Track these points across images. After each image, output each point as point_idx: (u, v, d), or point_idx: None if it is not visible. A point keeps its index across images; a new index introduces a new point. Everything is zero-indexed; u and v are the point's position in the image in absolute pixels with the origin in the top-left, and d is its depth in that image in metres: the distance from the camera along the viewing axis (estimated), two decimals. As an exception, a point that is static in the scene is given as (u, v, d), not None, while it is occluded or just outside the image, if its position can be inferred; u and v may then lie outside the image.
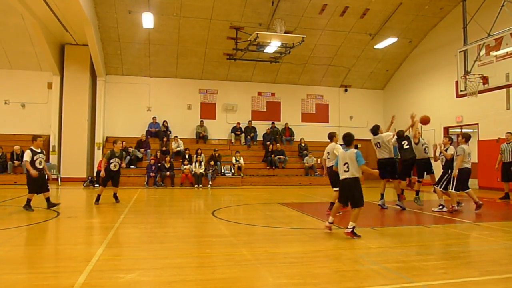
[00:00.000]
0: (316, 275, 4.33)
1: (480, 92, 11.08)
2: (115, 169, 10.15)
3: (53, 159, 17.60)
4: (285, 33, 15.57)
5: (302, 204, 10.14)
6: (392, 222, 8.35)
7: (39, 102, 18.28)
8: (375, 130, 9.48)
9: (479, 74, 11.02)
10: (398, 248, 5.64)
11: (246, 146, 20.06)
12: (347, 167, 6.22)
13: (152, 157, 16.86)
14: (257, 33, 14.77)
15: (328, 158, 8.65)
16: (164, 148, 17.81)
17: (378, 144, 9.36)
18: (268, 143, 19.54)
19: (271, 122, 20.73)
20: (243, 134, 20.29)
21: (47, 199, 8.95)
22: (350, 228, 6.12)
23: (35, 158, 8.65)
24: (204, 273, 4.45)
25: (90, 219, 8.79)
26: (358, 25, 17.94)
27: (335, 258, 5.04)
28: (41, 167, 8.73)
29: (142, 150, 17.92)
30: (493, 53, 13.58)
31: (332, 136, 8.79)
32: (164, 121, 19.40)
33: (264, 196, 12.96)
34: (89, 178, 16.26)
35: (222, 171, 17.67)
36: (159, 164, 16.52)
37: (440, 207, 8.97)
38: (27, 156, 8.56)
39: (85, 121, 17.99)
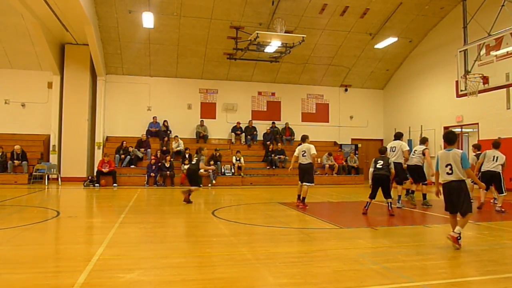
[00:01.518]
0: (316, 275, 4.33)
1: (480, 91, 11.08)
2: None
3: (53, 158, 17.63)
4: (285, 32, 15.55)
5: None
6: (392, 222, 8.34)
7: (39, 101, 18.28)
8: (398, 137, 10.08)
9: (479, 74, 11.02)
10: (398, 248, 5.64)
11: (247, 145, 20.07)
12: (450, 168, 5.54)
13: (152, 157, 16.87)
14: (257, 33, 14.77)
15: (304, 156, 9.78)
16: (164, 148, 17.82)
17: (393, 148, 9.91)
18: (268, 142, 19.55)
19: (271, 121, 20.74)
20: (244, 134, 20.30)
21: None
22: (457, 233, 5.47)
23: None
24: (204, 273, 4.45)
25: (90, 219, 8.79)
26: (358, 24, 17.94)
27: (335, 257, 5.04)
28: None
29: (142, 149, 17.92)
30: (493, 53, 13.57)
31: (305, 138, 9.98)
32: (165, 121, 19.41)
33: (264, 196, 12.96)
34: (89, 177, 16.26)
35: (223, 170, 17.67)
36: (159, 164, 16.52)
37: None
38: None
39: (85, 120, 18.00)
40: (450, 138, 5.72)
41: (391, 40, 18.08)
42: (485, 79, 10.84)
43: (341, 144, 21.46)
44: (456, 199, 5.54)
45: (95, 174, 16.34)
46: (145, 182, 16.27)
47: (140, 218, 8.43)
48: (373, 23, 17.95)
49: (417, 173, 10.10)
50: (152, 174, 16.28)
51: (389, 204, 8.69)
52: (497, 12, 10.72)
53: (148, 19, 15.18)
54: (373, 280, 4.13)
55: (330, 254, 5.27)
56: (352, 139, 21.97)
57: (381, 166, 8.70)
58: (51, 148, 17.79)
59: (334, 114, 22.10)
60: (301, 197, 9.88)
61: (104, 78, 18.71)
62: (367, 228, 7.10)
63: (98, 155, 17.86)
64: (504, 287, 3.95)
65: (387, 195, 8.66)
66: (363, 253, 5.25)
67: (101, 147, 18.24)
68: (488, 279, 4.20)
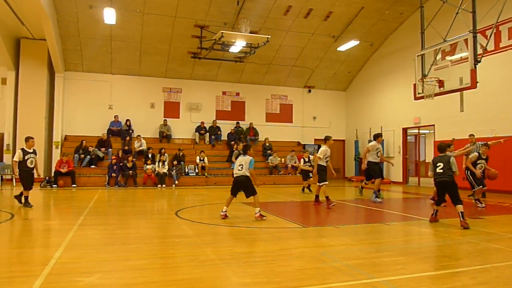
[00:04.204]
0: (280, 274, 4.37)
1: (436, 94, 11.51)
2: None
3: (7, 158, 16.78)
4: (250, 33, 15.60)
5: (266, 204, 10.18)
6: (353, 220, 8.56)
7: (-8, 98, 17.38)
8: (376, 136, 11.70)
9: (435, 78, 11.45)
10: (359, 245, 5.80)
11: (211, 145, 19.96)
12: (242, 167, 8.12)
13: (113, 157, 16.45)
14: (222, 32, 14.72)
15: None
16: (126, 148, 17.40)
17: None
18: (232, 142, 19.52)
19: (235, 121, 20.73)
20: (208, 134, 20.18)
21: (26, 197, 9.61)
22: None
23: (26, 157, 9.34)
24: (167, 274, 4.40)
25: (47, 221, 8.47)
26: (321, 27, 18.26)
27: (298, 256, 5.11)
28: (32, 166, 9.49)
29: (103, 149, 17.43)
30: (448, 58, 14.19)
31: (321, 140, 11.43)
32: (127, 120, 18.96)
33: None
34: (47, 178, 15.65)
35: (186, 170, 17.49)
36: (121, 164, 16.14)
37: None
38: (16, 156, 9.35)
39: (43, 119, 17.28)
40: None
41: (353, 43, 18.52)
42: (441, 83, 11.27)
43: (304, 144, 21.77)
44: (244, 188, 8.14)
45: (52, 174, 15.74)
46: (106, 183, 15.84)
47: (100, 219, 8.21)
48: (336, 26, 18.33)
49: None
50: (114, 175, 15.88)
51: (461, 214, 7.21)
52: (452, 19, 11.21)
53: (109, 15, 14.78)
54: (334, 277, 4.22)
55: (293, 253, 5.34)
56: (315, 140, 22.35)
57: (442, 170, 7.46)
58: (5, 148, 16.95)
59: (298, 115, 22.40)
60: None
61: (62, 75, 18.03)
62: (330, 227, 7.24)
63: (56, 155, 17.19)
64: (457, 281, 4.15)
65: (456, 201, 7.35)
66: (325, 251, 5.35)
67: (59, 146, 17.58)
68: (442, 274, 4.39)
